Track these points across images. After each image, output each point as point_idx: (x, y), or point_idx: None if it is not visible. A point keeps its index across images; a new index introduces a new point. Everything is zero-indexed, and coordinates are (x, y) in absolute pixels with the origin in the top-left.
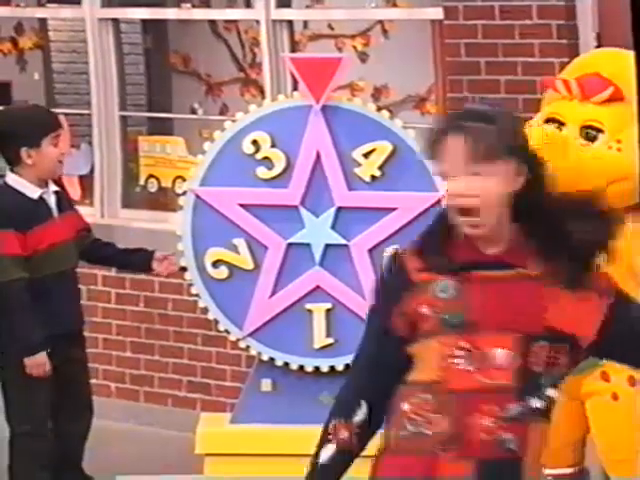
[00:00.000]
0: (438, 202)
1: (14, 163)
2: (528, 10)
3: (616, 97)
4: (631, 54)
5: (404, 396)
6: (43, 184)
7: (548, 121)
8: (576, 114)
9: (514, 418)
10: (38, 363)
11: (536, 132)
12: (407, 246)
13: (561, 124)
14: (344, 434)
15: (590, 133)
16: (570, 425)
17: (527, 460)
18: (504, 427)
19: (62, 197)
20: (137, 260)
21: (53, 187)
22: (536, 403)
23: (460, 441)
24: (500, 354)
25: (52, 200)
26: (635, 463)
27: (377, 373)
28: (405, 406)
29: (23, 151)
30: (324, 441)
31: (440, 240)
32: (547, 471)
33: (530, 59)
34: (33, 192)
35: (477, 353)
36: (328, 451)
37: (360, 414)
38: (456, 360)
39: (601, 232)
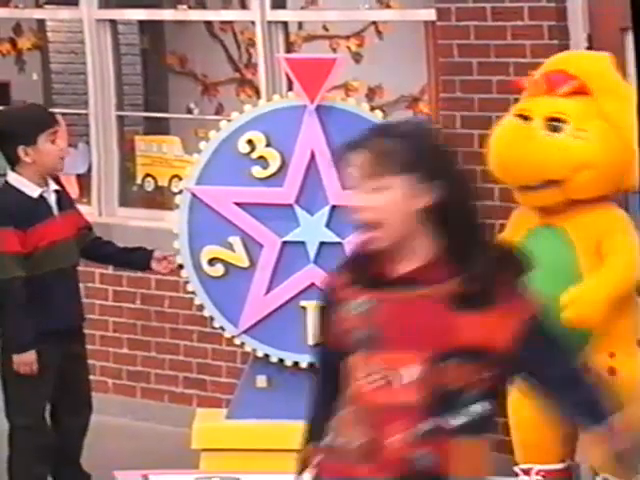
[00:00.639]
0: None
1: (14, 162)
2: (520, 11)
3: (581, 91)
4: (600, 55)
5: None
6: (43, 183)
7: (516, 117)
8: (541, 107)
9: (428, 435)
10: (26, 361)
11: (501, 126)
12: (339, 262)
13: (528, 119)
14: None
15: (554, 125)
16: (558, 420)
17: (454, 476)
18: (418, 444)
19: (62, 196)
20: (136, 259)
21: (54, 186)
22: (455, 420)
23: (376, 456)
24: (407, 372)
25: (52, 199)
26: None
27: (332, 390)
28: (334, 418)
29: (20, 149)
30: (302, 467)
31: (362, 257)
32: (538, 467)
33: (522, 60)
34: (33, 191)
35: (386, 371)
36: (308, 477)
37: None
38: (368, 377)
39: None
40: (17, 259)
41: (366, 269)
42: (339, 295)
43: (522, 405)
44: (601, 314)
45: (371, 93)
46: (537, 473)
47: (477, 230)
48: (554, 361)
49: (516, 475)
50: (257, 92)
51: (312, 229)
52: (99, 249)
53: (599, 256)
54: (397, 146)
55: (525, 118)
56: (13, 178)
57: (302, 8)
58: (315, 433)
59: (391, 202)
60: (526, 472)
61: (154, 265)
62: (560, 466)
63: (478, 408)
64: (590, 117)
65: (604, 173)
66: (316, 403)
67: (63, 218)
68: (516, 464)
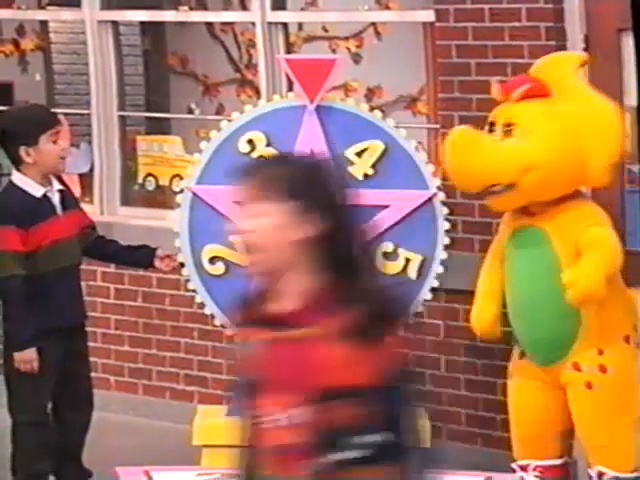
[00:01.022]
0: (429, 199)
1: (17, 162)
2: (517, 12)
3: (534, 94)
4: (566, 56)
5: None
6: (47, 182)
7: (490, 125)
8: (500, 114)
9: (322, 472)
10: (26, 359)
11: (450, 135)
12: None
13: (494, 125)
14: None
15: (507, 130)
16: (555, 416)
17: None
18: None
19: (66, 195)
20: (139, 257)
21: (57, 186)
22: (348, 455)
23: None
24: (295, 413)
25: (56, 198)
26: (614, 449)
27: None
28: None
29: (22, 150)
30: None
31: (252, 295)
32: (535, 463)
33: (519, 60)
34: (37, 190)
35: (269, 413)
36: None
37: None
38: (260, 419)
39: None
40: (17, 258)
41: (255, 307)
42: (239, 334)
43: (521, 401)
44: (603, 285)
45: (370, 93)
46: (534, 469)
47: (358, 268)
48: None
49: (513, 471)
50: (257, 92)
51: None
52: (102, 248)
53: (578, 255)
54: (282, 174)
55: (492, 125)
56: (17, 178)
57: (302, 9)
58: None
59: (267, 229)
60: (523, 468)
61: (157, 263)
62: (558, 462)
63: (377, 438)
64: (539, 119)
65: (553, 173)
66: None
67: (66, 217)
68: (514, 460)
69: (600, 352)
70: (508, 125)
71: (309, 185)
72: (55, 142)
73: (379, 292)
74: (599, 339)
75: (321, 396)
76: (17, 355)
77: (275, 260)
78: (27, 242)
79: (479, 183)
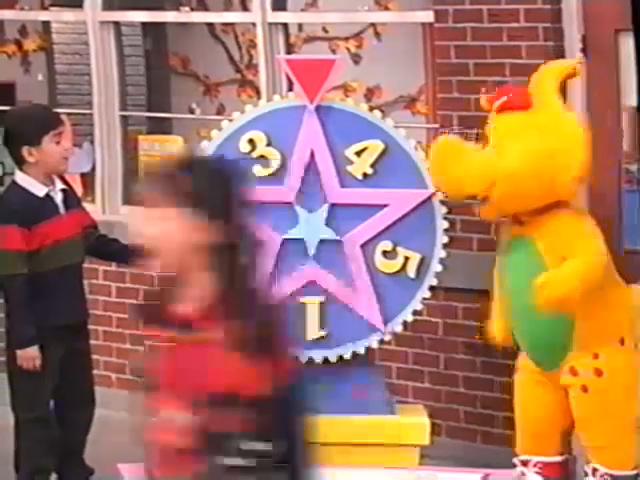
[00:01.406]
0: (429, 199)
1: (20, 162)
2: (515, 13)
3: (513, 106)
4: (549, 66)
5: None
6: (49, 182)
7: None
8: (487, 125)
9: (207, 476)
10: (28, 357)
11: (435, 142)
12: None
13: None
14: None
15: (486, 141)
16: (558, 413)
17: None
18: None
19: (69, 195)
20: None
21: (60, 185)
22: (234, 461)
23: None
24: (179, 417)
25: (59, 198)
26: (612, 449)
27: None
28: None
29: (24, 150)
30: None
31: (154, 294)
32: (536, 459)
33: (517, 61)
34: (40, 190)
35: (162, 415)
36: None
37: None
38: (151, 419)
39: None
40: (19, 256)
41: (156, 307)
42: (144, 331)
43: (526, 395)
44: (575, 296)
45: (369, 93)
46: (535, 465)
47: (253, 280)
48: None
49: (514, 466)
50: (258, 92)
51: (311, 227)
52: (104, 247)
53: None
54: (186, 180)
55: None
56: (20, 177)
57: (302, 10)
58: None
59: (169, 233)
60: (524, 463)
61: None
62: (558, 459)
63: (257, 447)
64: (511, 131)
65: (520, 186)
66: None
67: (69, 217)
68: (516, 455)
69: (595, 356)
70: (487, 136)
71: (212, 192)
72: (58, 143)
73: (271, 307)
74: (594, 343)
75: (210, 400)
76: (20, 353)
77: (176, 264)
78: (30, 241)
79: (457, 193)
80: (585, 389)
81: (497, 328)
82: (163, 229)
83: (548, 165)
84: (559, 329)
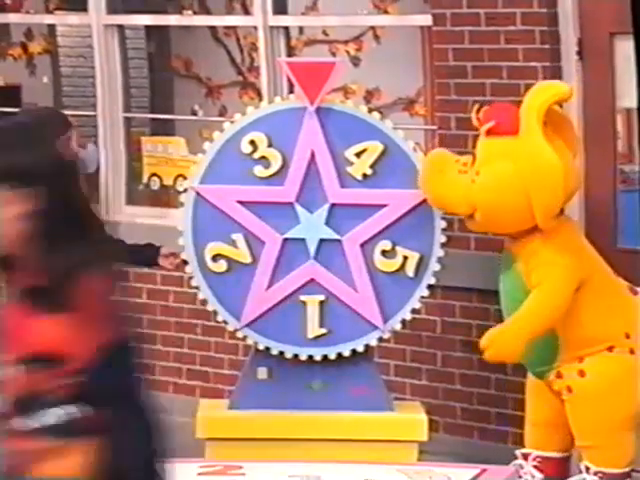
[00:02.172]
0: (426, 199)
1: None
2: (512, 17)
3: (497, 131)
4: (558, 87)
5: None
6: None
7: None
8: (477, 145)
9: (15, 434)
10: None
11: (428, 154)
12: None
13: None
14: None
15: (472, 164)
16: (554, 410)
17: (37, 476)
18: None
19: None
20: (144, 256)
21: None
22: (36, 422)
23: None
24: None
25: None
26: (600, 448)
27: None
28: None
29: None
30: None
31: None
32: (536, 453)
33: (514, 63)
34: None
35: None
36: None
37: None
38: None
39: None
40: None
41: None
42: None
43: (536, 393)
44: (519, 351)
45: (369, 95)
46: (534, 459)
47: (75, 236)
48: (120, 395)
49: (516, 458)
50: (259, 94)
51: (312, 226)
52: None
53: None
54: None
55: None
56: None
57: (303, 14)
58: None
59: None
60: (525, 456)
61: (161, 261)
62: (557, 455)
63: (62, 412)
64: (492, 158)
65: (499, 212)
66: None
67: None
68: (518, 448)
69: (580, 359)
70: (473, 159)
71: (16, 161)
72: (67, 146)
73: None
74: (579, 349)
75: (19, 359)
76: None
77: (7, 241)
78: None
79: (440, 208)
80: (570, 390)
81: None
82: None
83: (523, 197)
84: (545, 344)
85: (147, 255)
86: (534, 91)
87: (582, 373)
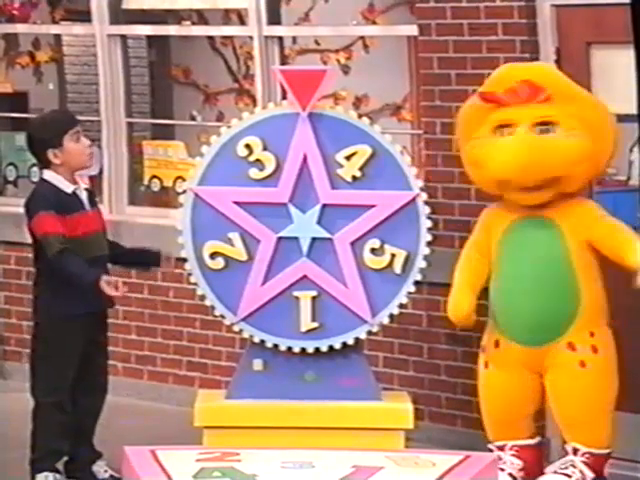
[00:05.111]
0: (413, 200)
1: (47, 165)
2: (494, 27)
3: (551, 97)
4: (546, 65)
5: None
6: (74, 182)
7: (500, 127)
8: (526, 115)
9: None
10: (109, 281)
11: (515, 137)
12: None
13: (510, 126)
14: None
15: (544, 128)
16: (529, 398)
17: None
18: None
19: (92, 195)
20: (144, 260)
21: (84, 185)
22: None
23: None
24: None
25: (84, 195)
26: (594, 426)
27: None
28: None
29: (50, 153)
30: None
31: None
32: (511, 443)
33: None
34: (67, 187)
35: None
36: None
37: None
38: None
39: None
40: (60, 239)
41: None
42: None
43: (497, 388)
44: None
45: (358, 102)
46: (511, 449)
47: None
48: None
49: (491, 451)
50: (254, 101)
51: (305, 226)
52: (110, 250)
53: (589, 250)
54: None
55: (507, 126)
56: (49, 175)
57: (296, 24)
58: None
59: None
60: (501, 448)
61: (161, 264)
62: (532, 442)
63: None
64: (573, 118)
65: (594, 165)
66: None
67: (94, 213)
68: (490, 442)
69: (592, 334)
70: (544, 124)
71: None
72: (77, 140)
73: None
74: (591, 322)
75: None
76: (103, 283)
77: None
78: (64, 228)
79: (535, 179)
80: (583, 364)
81: (459, 308)
82: None
83: (599, 148)
84: (565, 305)
85: (147, 258)
86: (541, 66)
87: (595, 349)
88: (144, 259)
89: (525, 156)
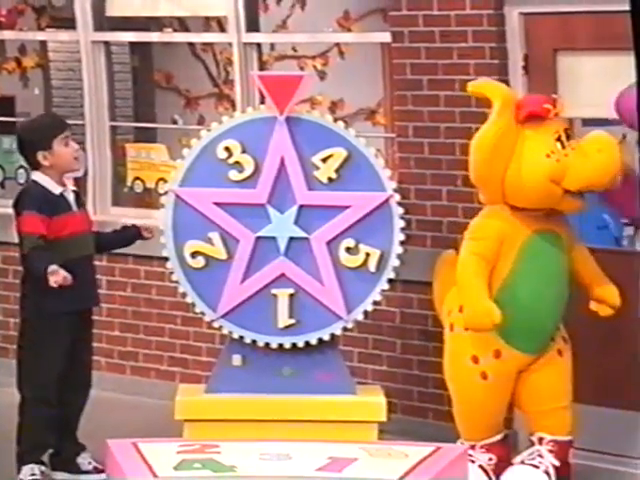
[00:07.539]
0: (387, 200)
1: (36, 167)
2: (464, 35)
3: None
4: None
5: None
6: (62, 184)
7: (558, 140)
8: (559, 124)
9: None
10: (53, 272)
11: (610, 143)
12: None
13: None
14: None
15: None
16: (506, 402)
17: None
18: None
19: (79, 196)
20: (128, 236)
21: (71, 187)
22: None
23: None
24: None
25: (71, 197)
26: (562, 413)
27: None
28: None
29: (40, 155)
30: None
31: None
32: (482, 442)
33: (466, 77)
34: (55, 189)
35: None
36: None
37: None
38: None
39: None
40: (34, 239)
41: None
42: None
43: (493, 394)
44: None
45: (334, 106)
46: (482, 447)
47: None
48: None
49: (462, 444)
50: (233, 105)
51: (282, 226)
52: (97, 240)
53: None
54: None
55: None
56: (38, 177)
57: (274, 31)
58: None
59: None
60: (471, 447)
61: (145, 234)
62: (500, 437)
63: None
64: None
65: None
66: None
67: (81, 214)
68: (459, 438)
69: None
70: (567, 135)
71: None
72: (67, 144)
73: None
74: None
75: None
76: (49, 273)
77: None
78: (49, 229)
79: (609, 184)
80: (560, 353)
81: (495, 308)
82: None
83: None
84: (560, 317)
85: (130, 235)
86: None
87: (565, 340)
88: (126, 236)
89: (618, 164)
